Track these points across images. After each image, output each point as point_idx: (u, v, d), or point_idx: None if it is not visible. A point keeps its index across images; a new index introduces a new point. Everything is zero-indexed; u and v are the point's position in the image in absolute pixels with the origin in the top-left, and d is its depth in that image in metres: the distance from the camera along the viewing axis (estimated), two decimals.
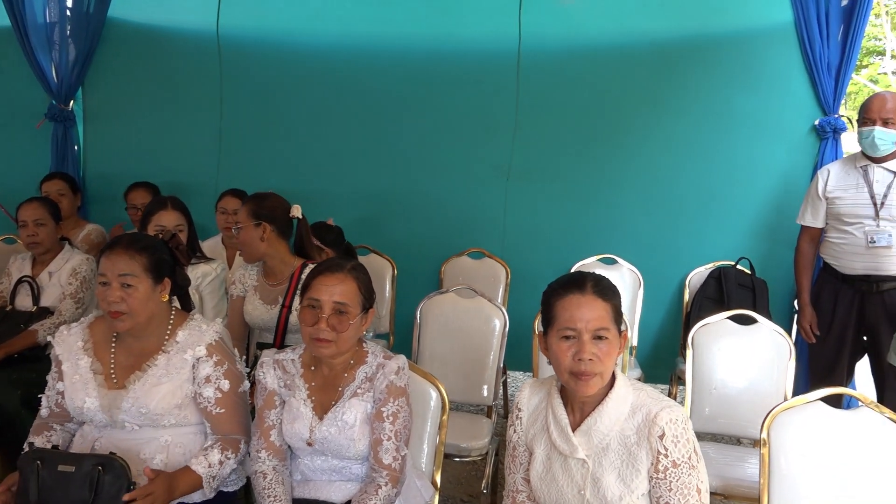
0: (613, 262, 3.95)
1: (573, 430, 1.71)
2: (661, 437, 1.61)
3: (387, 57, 4.11)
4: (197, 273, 2.95)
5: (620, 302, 1.71)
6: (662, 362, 4.00)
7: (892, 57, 17.43)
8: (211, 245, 3.60)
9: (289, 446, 2.03)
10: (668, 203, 4.00)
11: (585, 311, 1.63)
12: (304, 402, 1.99)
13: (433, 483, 2.21)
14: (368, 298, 2.00)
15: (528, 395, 1.85)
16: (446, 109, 4.13)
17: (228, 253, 3.60)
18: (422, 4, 4.09)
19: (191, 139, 4.28)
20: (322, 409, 1.98)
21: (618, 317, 1.68)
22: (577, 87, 4.01)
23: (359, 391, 1.98)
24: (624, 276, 3.91)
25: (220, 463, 1.99)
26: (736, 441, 3.17)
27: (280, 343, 2.71)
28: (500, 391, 3.37)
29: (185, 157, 4.28)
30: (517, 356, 3.59)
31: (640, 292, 3.90)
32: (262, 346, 2.78)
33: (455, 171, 4.15)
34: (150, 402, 1.99)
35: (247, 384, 2.11)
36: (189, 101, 4.27)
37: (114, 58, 4.32)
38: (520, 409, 1.84)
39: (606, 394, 1.68)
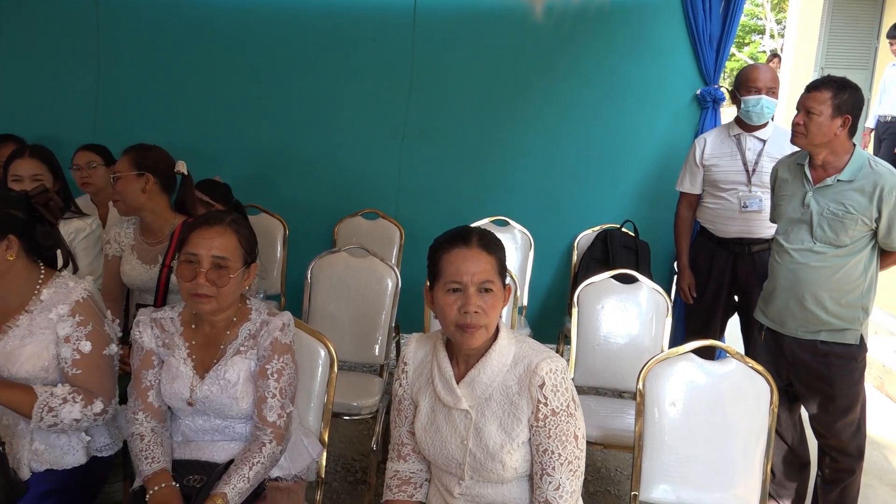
0: (506, 223, 4.01)
1: (457, 382, 1.73)
2: (542, 386, 1.65)
3: (281, 10, 3.95)
4: (69, 229, 2.77)
5: (505, 256, 1.74)
6: (551, 321, 4.13)
7: (771, 37, 18.43)
8: (82, 204, 3.38)
9: (168, 407, 1.96)
10: (559, 167, 4.09)
11: (471, 265, 1.64)
12: (184, 360, 1.92)
13: (321, 441, 2.19)
14: (250, 252, 1.94)
15: (415, 348, 1.86)
16: (341, 67, 4.03)
17: (101, 211, 3.40)
18: None
19: (65, 90, 3.97)
20: (203, 367, 1.92)
21: (502, 270, 1.70)
22: (473, 48, 4.00)
23: (242, 349, 1.93)
24: (516, 238, 3.98)
25: (64, 400, 1.85)
26: (618, 395, 3.33)
27: (161, 304, 2.60)
28: (393, 351, 3.38)
29: (58, 110, 3.97)
30: (410, 317, 3.60)
31: (531, 254, 3.99)
32: (143, 308, 2.66)
33: (350, 130, 4.07)
34: (13, 364, 1.86)
35: (113, 347, 1.98)
36: (62, 48, 3.95)
37: None
38: (406, 363, 1.85)
39: (490, 346, 1.71)
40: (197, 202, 2.87)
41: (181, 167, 2.77)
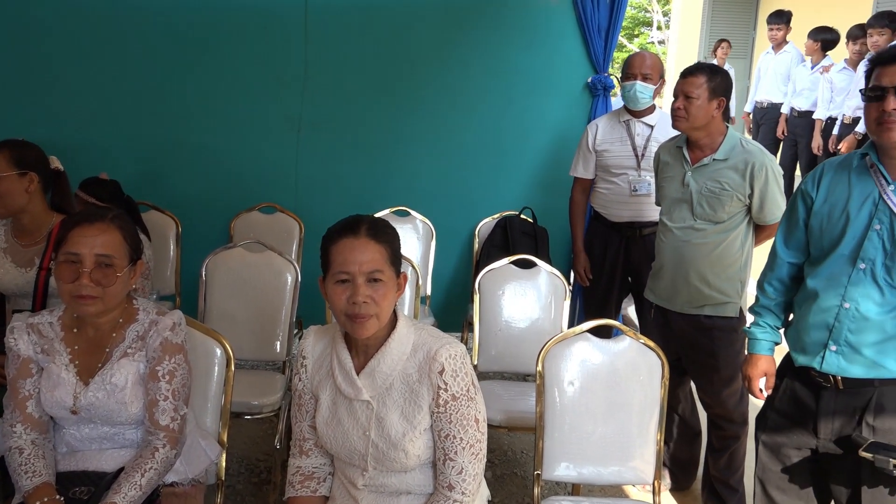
0: (406, 213, 4.01)
1: (357, 373, 1.72)
2: (441, 372, 1.66)
3: (170, 2, 3.77)
4: None
5: (398, 244, 1.73)
6: (455, 310, 4.16)
7: (658, 28, 19.21)
8: None
9: (51, 417, 1.85)
10: (458, 156, 4.12)
11: (358, 254, 1.63)
12: (66, 367, 1.82)
13: (220, 442, 2.13)
14: (135, 249, 1.86)
15: (313, 342, 1.83)
16: (234, 58, 3.90)
17: None
18: None
19: None
20: (88, 373, 1.82)
21: (395, 259, 1.70)
22: (367, 38, 3.96)
23: (129, 351, 1.85)
24: (417, 228, 3.99)
25: None
26: (522, 378, 3.39)
27: (41, 309, 2.44)
28: (295, 347, 3.31)
29: None
30: (313, 312, 3.54)
31: (433, 243, 4.01)
32: (18, 314, 2.49)
33: (244, 122, 3.94)
34: None
35: None
36: None
37: None
38: (304, 357, 1.82)
39: (389, 335, 1.71)
40: (73, 199, 2.71)
41: (56, 163, 2.61)
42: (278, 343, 2.98)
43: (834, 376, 1.94)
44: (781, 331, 2.23)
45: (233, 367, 2.17)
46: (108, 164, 3.52)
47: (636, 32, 19.97)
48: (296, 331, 3.23)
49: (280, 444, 2.69)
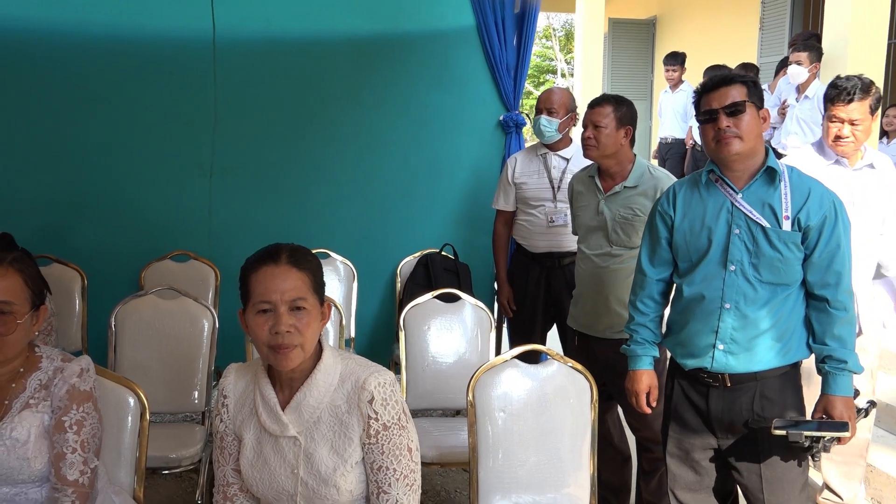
0: (327, 255, 3.94)
1: (283, 409, 1.64)
2: (371, 401, 1.61)
3: (67, 44, 3.63)
4: None
5: (321, 272, 1.69)
6: (380, 351, 4.10)
7: (563, 75, 20.02)
8: None
9: None
10: (375, 196, 4.11)
11: (280, 283, 1.57)
12: None
13: (136, 499, 1.99)
14: (38, 294, 1.74)
15: (234, 379, 1.74)
16: (138, 104, 3.79)
17: None
18: None
19: None
20: None
21: (318, 287, 1.65)
22: (278, 80, 3.94)
23: (31, 402, 1.71)
24: (338, 270, 3.93)
25: None
26: (453, 413, 3.35)
27: None
28: (213, 397, 3.17)
29: None
30: (232, 358, 3.40)
31: (355, 284, 3.95)
32: None
33: (151, 169, 3.82)
34: None
35: None
36: None
37: None
38: (225, 396, 1.73)
39: (314, 366, 1.65)
40: None
41: None
42: (196, 392, 2.85)
43: (722, 374, 2.10)
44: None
45: (147, 417, 2.04)
46: (6, 219, 3.33)
47: (542, 80, 20.75)
48: (214, 382, 3.09)
49: (201, 500, 2.54)
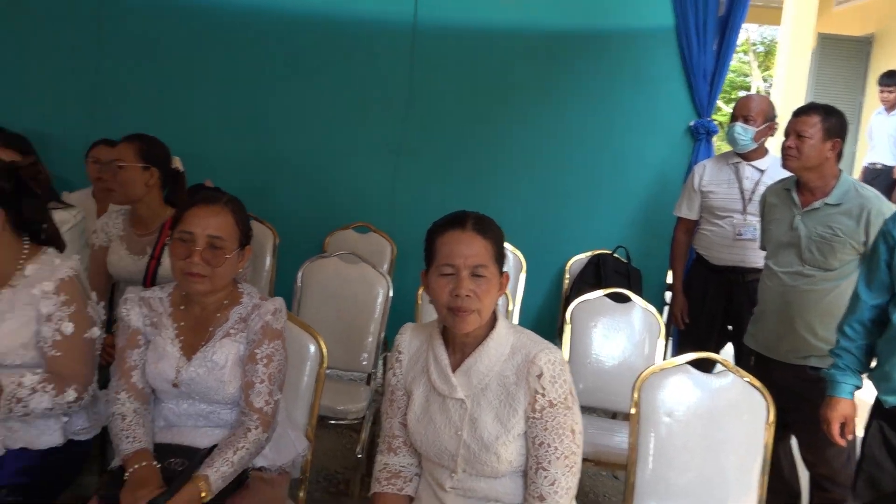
0: None
1: (453, 371, 1.69)
2: (539, 376, 1.61)
3: (279, 19, 3.96)
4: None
5: (503, 241, 1.71)
6: None
7: (758, 93, 18.86)
8: (80, 198, 3.34)
9: (152, 390, 1.89)
10: (553, 189, 4.09)
11: (464, 248, 1.61)
12: (172, 341, 1.86)
13: (307, 437, 2.12)
14: (245, 234, 1.91)
15: (409, 338, 1.81)
16: (339, 79, 4.03)
17: (99, 207, 3.35)
18: None
19: (61, 88, 3.95)
20: (191, 349, 1.86)
21: (499, 256, 1.67)
22: (471, 68, 4.03)
23: (231, 332, 1.88)
24: (507, 259, 3.96)
25: (33, 390, 1.79)
26: (611, 416, 3.27)
27: None
28: (381, 364, 3.31)
29: (52, 106, 3.94)
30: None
31: (522, 275, 3.96)
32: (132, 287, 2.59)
33: (345, 142, 4.05)
34: None
35: (96, 331, 1.93)
36: (62, 46, 3.94)
37: None
38: (400, 352, 1.80)
39: (487, 334, 1.67)
40: (186, 198, 2.83)
41: (177, 163, 2.75)
42: (365, 354, 2.99)
43: None
44: (864, 376, 2.17)
45: (325, 365, 2.18)
46: (214, 173, 3.65)
47: (733, 96, 19.67)
48: (382, 351, 3.22)
49: (362, 454, 2.66)
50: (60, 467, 1.91)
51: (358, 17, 3.95)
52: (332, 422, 2.71)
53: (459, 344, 1.70)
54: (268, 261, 3.79)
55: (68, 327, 1.84)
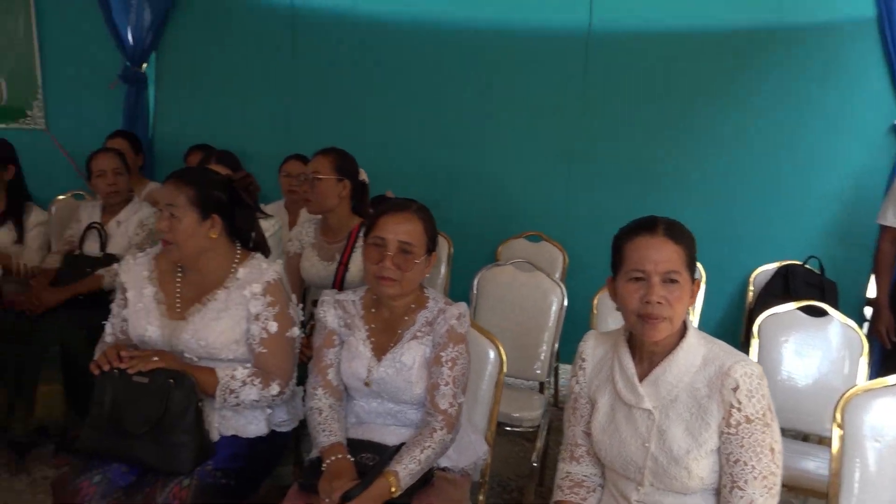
0: None
1: (640, 381, 1.64)
2: (735, 389, 1.53)
3: (453, 34, 4.09)
4: None
5: (695, 247, 1.64)
6: None
7: None
8: (273, 210, 3.63)
9: (345, 388, 2.01)
10: (732, 196, 3.89)
11: (654, 253, 1.57)
12: (364, 342, 1.97)
13: (487, 441, 2.16)
14: (432, 241, 1.98)
15: (593, 345, 1.79)
16: (511, 89, 4.10)
17: (290, 218, 3.62)
18: None
19: (259, 107, 4.34)
20: (381, 350, 1.96)
21: (691, 262, 1.61)
22: (647, 72, 3.93)
23: (418, 334, 1.95)
24: None
25: (244, 383, 1.96)
26: (802, 437, 3.04)
27: None
28: (553, 375, 3.30)
29: (251, 125, 4.33)
30: (570, 348, 3.50)
31: (703, 286, 3.79)
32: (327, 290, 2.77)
33: (518, 151, 4.10)
34: (209, 335, 1.99)
35: (296, 331, 2.09)
36: (259, 69, 4.33)
37: (188, 23, 4.39)
38: (583, 360, 1.78)
39: (677, 343, 1.62)
40: (369, 209, 2.98)
41: (363, 175, 2.91)
42: (539, 363, 2.99)
43: None
44: None
45: (504, 371, 2.20)
46: (393, 184, 3.85)
47: None
48: (555, 362, 3.20)
49: (537, 462, 2.66)
50: (265, 456, 2.08)
51: (532, 26, 3.99)
52: (508, 428, 2.73)
53: (647, 353, 1.66)
54: (442, 269, 3.90)
55: (273, 326, 2.00)
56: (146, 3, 4.31)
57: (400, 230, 1.90)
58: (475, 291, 3.12)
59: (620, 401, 1.67)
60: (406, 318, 1.98)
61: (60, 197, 4.10)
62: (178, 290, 2.06)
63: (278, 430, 2.11)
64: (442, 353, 1.92)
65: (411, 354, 1.93)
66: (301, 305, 2.20)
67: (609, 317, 2.94)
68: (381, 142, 4.18)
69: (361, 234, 2.77)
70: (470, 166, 4.18)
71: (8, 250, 3.17)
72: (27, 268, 3.21)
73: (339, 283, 2.72)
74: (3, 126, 4.60)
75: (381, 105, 4.22)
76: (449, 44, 4.12)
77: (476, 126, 4.15)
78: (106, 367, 1.89)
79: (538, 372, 3.00)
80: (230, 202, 2.07)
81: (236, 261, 2.07)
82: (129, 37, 4.36)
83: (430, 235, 1.97)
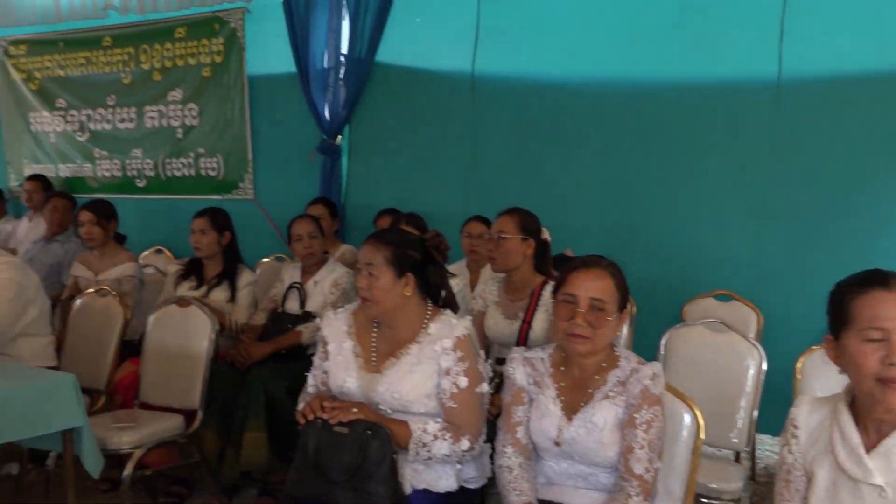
0: None
1: (867, 452, 1.48)
2: None
3: (635, 92, 4.08)
4: None
5: None
6: None
7: None
8: (456, 269, 3.74)
9: (534, 447, 1.99)
10: None
11: (892, 309, 1.42)
12: (553, 400, 1.94)
13: None
14: (623, 298, 1.93)
15: (807, 412, 1.64)
16: (694, 143, 4.00)
17: (472, 277, 3.71)
18: (674, 41, 4.00)
19: (442, 171, 4.56)
20: (571, 409, 1.92)
21: None
22: (840, 121, 3.67)
23: (610, 394, 1.90)
24: None
25: (435, 437, 1.99)
26: None
27: None
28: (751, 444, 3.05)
29: (434, 188, 4.55)
30: (769, 416, 3.22)
31: None
32: (501, 362, 2.79)
33: (703, 207, 3.96)
34: (403, 388, 2.05)
35: (485, 386, 2.10)
36: (442, 135, 4.56)
37: (377, 97, 4.75)
38: (796, 427, 1.63)
39: None
40: (551, 266, 2.98)
41: (546, 234, 2.93)
42: (736, 430, 2.78)
43: None
44: None
45: (702, 437, 2.07)
46: (574, 241, 3.83)
47: None
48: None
49: None
50: None
51: (716, 78, 3.90)
52: (704, 500, 2.55)
53: (874, 421, 1.49)
54: (625, 328, 3.78)
55: (463, 381, 2.03)
56: (342, 83, 4.71)
57: (591, 286, 1.88)
58: (662, 352, 2.99)
59: (843, 475, 1.51)
60: (597, 376, 1.94)
61: (265, 259, 4.50)
62: (374, 344, 2.16)
63: (467, 486, 2.12)
64: (636, 415, 1.85)
65: (603, 415, 1.87)
66: (489, 362, 2.22)
67: (816, 382, 2.69)
68: (560, 200, 4.20)
69: (544, 293, 2.79)
70: (651, 223, 4.08)
71: (223, 308, 3.51)
72: (238, 324, 3.52)
73: (522, 342, 2.72)
74: (218, 197, 5.17)
75: (561, 163, 4.27)
76: (628, 99, 4.11)
77: (658, 182, 4.07)
78: (310, 417, 2.01)
79: (735, 440, 2.79)
80: (423, 261, 2.15)
81: (427, 316, 2.14)
82: (326, 113, 4.78)
83: (621, 292, 1.93)
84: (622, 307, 1.93)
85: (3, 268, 2.90)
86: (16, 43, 6.06)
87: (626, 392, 1.89)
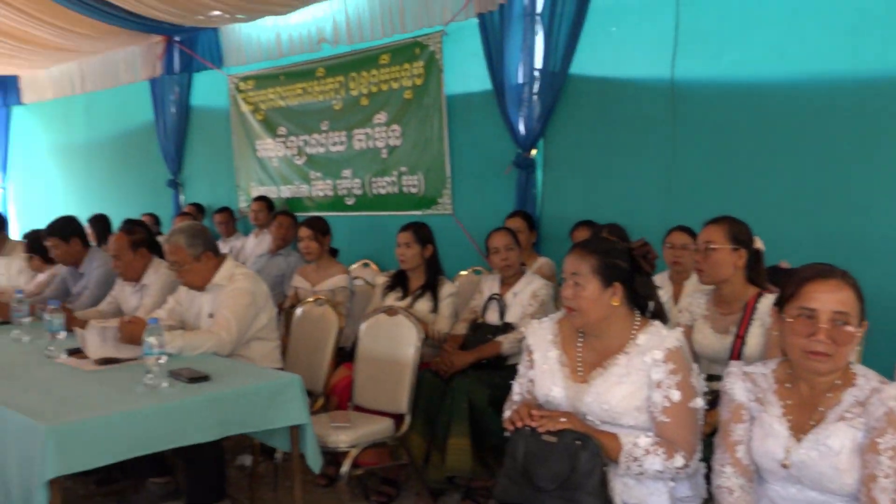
0: None
1: None
2: None
3: (858, 87, 3.70)
4: None
5: None
6: None
7: None
8: (658, 281, 3.59)
9: (756, 468, 1.86)
10: None
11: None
12: (779, 419, 1.81)
13: None
14: (863, 310, 1.75)
15: None
16: None
17: (675, 289, 3.57)
18: None
19: (639, 181, 4.43)
20: (800, 429, 1.78)
21: None
22: None
23: (847, 415, 1.73)
24: None
25: (647, 452, 1.93)
26: None
27: None
28: None
29: (633, 199, 4.43)
30: None
31: None
32: (711, 379, 2.64)
33: None
34: (611, 399, 2.02)
35: (699, 401, 2.00)
36: (640, 144, 4.43)
37: (572, 109, 4.72)
38: None
39: None
40: (765, 278, 2.78)
41: (759, 243, 2.75)
42: None
43: None
44: None
45: None
46: (787, 253, 3.53)
47: None
48: None
49: None
50: None
51: None
52: None
53: None
54: None
55: (676, 395, 1.95)
56: (536, 97, 4.75)
57: (832, 299, 1.72)
58: None
59: None
60: (829, 395, 1.78)
61: (462, 273, 4.63)
62: (580, 354, 2.14)
63: None
64: (879, 440, 1.67)
65: (839, 438, 1.71)
66: (704, 377, 2.11)
67: None
68: (771, 208, 3.92)
69: (759, 306, 2.61)
70: (879, 231, 3.67)
71: (426, 318, 3.66)
72: (440, 333, 3.65)
73: (735, 357, 2.57)
74: (419, 213, 5.41)
75: (770, 169, 3.98)
76: (850, 97, 3.74)
77: (887, 184, 3.66)
78: (519, 424, 2.03)
79: None
80: (630, 270, 2.10)
81: (636, 327, 2.09)
82: (521, 127, 4.84)
83: (861, 304, 1.75)
84: (862, 320, 1.76)
85: (241, 278, 3.24)
86: (245, 79, 6.78)
87: (865, 414, 1.71)
